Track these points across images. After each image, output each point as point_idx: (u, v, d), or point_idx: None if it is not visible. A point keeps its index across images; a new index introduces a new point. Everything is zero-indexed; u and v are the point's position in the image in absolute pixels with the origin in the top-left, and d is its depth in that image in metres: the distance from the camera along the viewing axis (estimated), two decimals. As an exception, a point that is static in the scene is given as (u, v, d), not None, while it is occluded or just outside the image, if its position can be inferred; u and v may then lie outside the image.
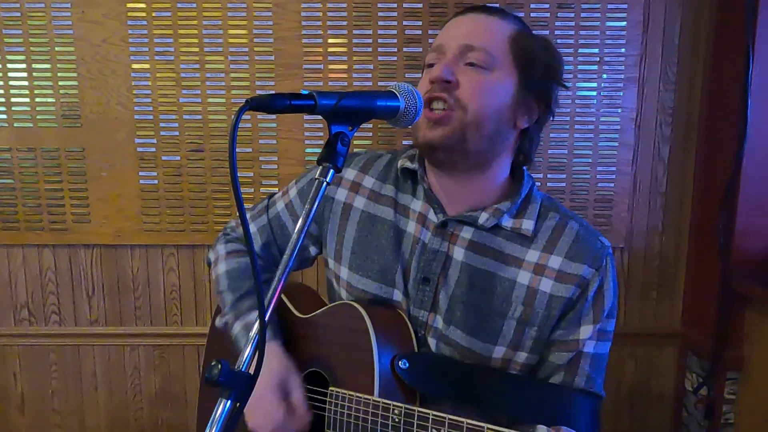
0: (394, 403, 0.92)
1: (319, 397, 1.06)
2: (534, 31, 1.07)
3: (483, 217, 1.02)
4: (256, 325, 0.73)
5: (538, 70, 1.01)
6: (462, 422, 0.85)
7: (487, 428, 0.83)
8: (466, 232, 1.04)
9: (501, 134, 1.02)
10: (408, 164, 1.10)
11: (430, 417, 0.88)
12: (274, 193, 1.27)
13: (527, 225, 1.03)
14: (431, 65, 1.02)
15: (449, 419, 0.86)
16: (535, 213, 1.04)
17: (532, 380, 1.05)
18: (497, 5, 1.89)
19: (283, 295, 1.20)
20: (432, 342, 1.04)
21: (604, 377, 1.05)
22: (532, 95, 1.01)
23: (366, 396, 0.96)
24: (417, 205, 1.09)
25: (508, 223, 1.03)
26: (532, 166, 1.11)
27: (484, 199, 1.05)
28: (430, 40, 1.91)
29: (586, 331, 1.01)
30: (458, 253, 1.03)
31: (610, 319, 1.03)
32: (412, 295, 1.06)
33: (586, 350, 1.02)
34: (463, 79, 0.97)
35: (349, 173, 1.15)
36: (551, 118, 1.07)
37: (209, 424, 0.67)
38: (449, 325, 1.03)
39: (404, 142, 1.98)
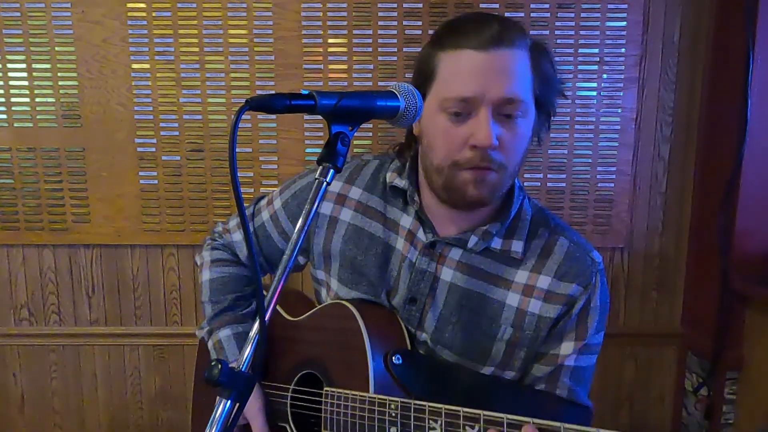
0: (391, 397, 0.93)
1: (314, 398, 1.06)
2: (533, 32, 1.05)
3: (472, 241, 1.00)
4: (256, 326, 0.73)
5: (548, 91, 0.97)
6: (458, 411, 0.85)
7: (483, 415, 0.83)
8: (455, 253, 1.02)
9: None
10: (398, 182, 1.07)
11: (427, 408, 0.88)
12: (261, 198, 1.25)
13: (516, 247, 1.01)
14: (457, 114, 0.92)
15: (446, 410, 0.86)
16: (524, 233, 1.02)
17: (524, 387, 1.05)
18: (498, 11, 1.90)
19: None
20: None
21: (588, 389, 1.05)
22: (543, 115, 0.99)
23: (361, 393, 0.96)
24: (406, 221, 1.06)
25: (497, 245, 1.01)
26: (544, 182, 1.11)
27: (476, 220, 1.03)
28: (430, 40, 1.91)
29: (567, 347, 1.01)
30: (446, 274, 1.02)
31: (597, 334, 1.02)
32: (398, 314, 1.06)
33: (566, 363, 1.01)
34: (502, 137, 0.92)
35: (335, 185, 1.12)
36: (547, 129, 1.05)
37: (209, 424, 0.67)
38: (437, 344, 1.03)
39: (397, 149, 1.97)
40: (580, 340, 1.00)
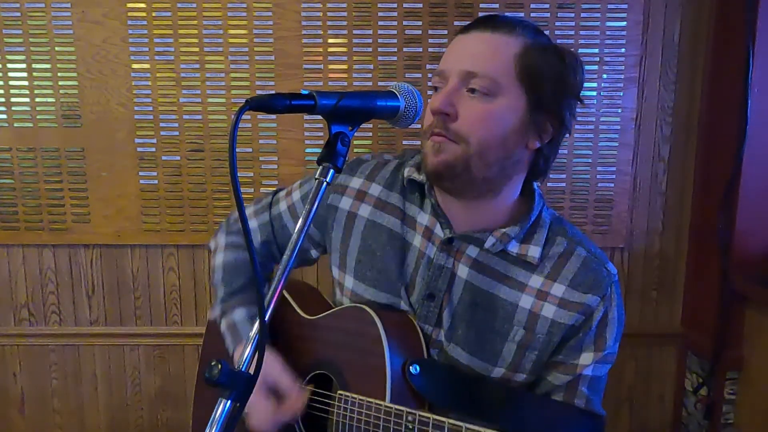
0: (408, 409, 0.91)
1: (324, 399, 1.06)
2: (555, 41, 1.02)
3: (490, 242, 1.00)
4: (256, 325, 0.73)
5: (548, 88, 0.95)
6: (479, 431, 0.84)
7: None
8: (472, 251, 1.02)
9: (510, 158, 0.97)
10: (415, 175, 1.06)
11: (446, 426, 0.87)
12: (279, 190, 1.26)
13: (533, 252, 1.00)
14: (436, 89, 0.98)
15: (466, 428, 0.85)
16: (542, 239, 1.01)
17: (538, 396, 1.04)
18: (498, 11, 1.90)
19: (287, 294, 1.19)
20: (434, 354, 1.04)
21: (602, 397, 1.05)
22: (544, 114, 0.96)
23: (378, 401, 0.94)
24: (424, 218, 1.06)
25: (514, 248, 1.00)
26: (544, 181, 1.08)
27: (493, 220, 1.02)
28: (430, 40, 1.91)
29: (587, 357, 1.00)
30: (462, 271, 1.02)
31: (614, 345, 1.02)
32: (417, 310, 1.05)
33: (585, 373, 1.01)
34: (463, 109, 0.94)
35: (355, 182, 1.12)
36: (567, 135, 1.03)
37: (209, 424, 0.67)
38: (450, 342, 1.02)
39: (404, 142, 1.98)
40: (599, 351, 1.01)
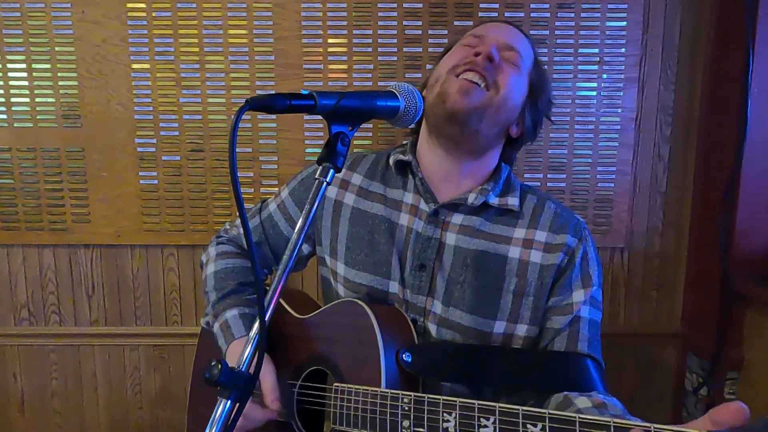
0: (403, 392, 0.93)
1: (321, 393, 1.07)
2: (533, 32, 1.15)
3: (471, 197, 1.09)
4: (256, 325, 0.73)
5: (544, 99, 1.16)
6: (473, 404, 0.85)
7: (498, 407, 0.82)
8: (457, 218, 1.10)
9: (503, 129, 1.12)
10: (402, 157, 1.16)
11: (441, 402, 0.89)
12: (266, 199, 1.32)
13: (512, 201, 1.12)
14: (467, 46, 1.10)
15: (460, 402, 0.87)
16: (517, 192, 1.15)
17: (538, 351, 1.09)
18: (498, 11, 1.90)
19: (280, 299, 1.20)
20: (432, 327, 1.07)
21: (600, 348, 1.10)
22: (531, 114, 1.14)
23: (373, 388, 0.96)
24: (408, 197, 1.14)
25: (494, 201, 1.11)
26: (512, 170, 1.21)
27: (472, 184, 1.14)
28: (430, 40, 1.91)
29: (578, 295, 1.07)
30: (450, 239, 1.09)
31: (599, 289, 1.10)
32: (408, 283, 1.09)
33: (582, 314, 1.07)
34: (502, 65, 1.07)
35: None
36: (530, 143, 1.22)
37: (209, 424, 0.67)
38: (448, 306, 1.06)
39: (404, 142, 1.97)
40: (587, 287, 1.08)
